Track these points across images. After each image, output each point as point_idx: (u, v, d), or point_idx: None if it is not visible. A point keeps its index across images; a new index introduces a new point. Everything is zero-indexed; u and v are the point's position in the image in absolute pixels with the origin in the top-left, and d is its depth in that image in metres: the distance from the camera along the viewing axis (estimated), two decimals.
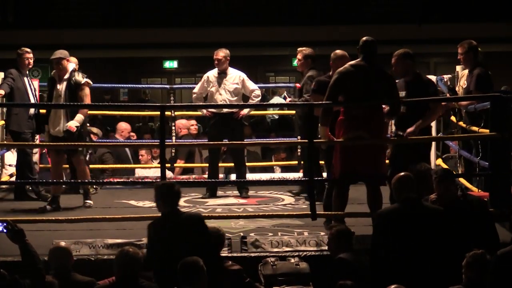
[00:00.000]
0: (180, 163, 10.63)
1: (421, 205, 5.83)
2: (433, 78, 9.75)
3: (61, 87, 8.13)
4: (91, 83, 8.31)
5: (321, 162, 8.32)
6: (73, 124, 8.03)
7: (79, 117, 8.08)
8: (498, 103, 7.03)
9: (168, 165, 9.65)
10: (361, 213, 7.12)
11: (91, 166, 9.80)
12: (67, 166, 9.68)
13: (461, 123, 8.42)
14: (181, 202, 8.58)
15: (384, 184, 7.06)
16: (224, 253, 6.24)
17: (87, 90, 8.20)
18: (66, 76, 8.14)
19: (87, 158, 8.98)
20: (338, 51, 7.53)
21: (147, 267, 5.64)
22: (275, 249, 6.53)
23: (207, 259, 5.63)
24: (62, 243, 5.98)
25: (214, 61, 9.08)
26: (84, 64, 9.59)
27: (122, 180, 9.50)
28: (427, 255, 5.65)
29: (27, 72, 8.93)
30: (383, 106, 7.00)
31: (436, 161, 9.58)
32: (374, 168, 6.85)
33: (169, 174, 10.53)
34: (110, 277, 5.67)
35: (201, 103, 9.23)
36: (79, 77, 8.15)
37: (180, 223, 5.81)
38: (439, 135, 9.59)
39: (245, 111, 9.11)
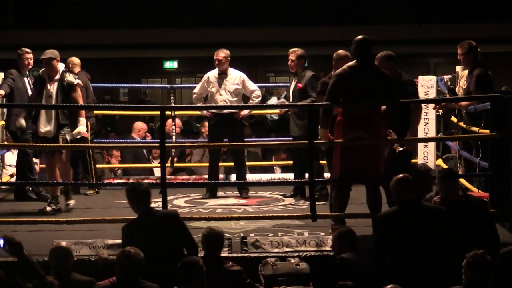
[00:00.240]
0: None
1: (421, 206, 5.83)
2: (433, 78, 9.80)
3: (52, 87, 8.01)
4: (82, 84, 8.26)
5: (323, 162, 8.33)
6: (84, 129, 8.06)
7: (83, 120, 8.07)
8: (498, 103, 7.02)
9: (168, 165, 9.66)
10: (361, 213, 7.11)
11: (98, 166, 9.83)
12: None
13: (461, 123, 8.42)
14: (181, 202, 8.71)
15: (383, 185, 7.07)
16: (225, 253, 6.24)
17: (79, 91, 8.13)
18: (57, 77, 8.03)
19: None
20: (340, 52, 7.51)
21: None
22: (275, 250, 6.53)
23: (189, 255, 5.73)
24: (63, 243, 5.98)
25: (214, 61, 9.08)
26: (84, 64, 9.59)
27: (122, 181, 9.49)
28: (429, 255, 5.64)
29: (27, 73, 8.93)
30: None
31: (436, 162, 9.59)
32: (374, 169, 6.84)
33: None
34: (111, 277, 5.68)
35: (201, 104, 9.23)
36: (71, 78, 8.06)
37: (155, 222, 5.87)
38: (439, 135, 9.60)
39: (246, 111, 9.12)
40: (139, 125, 11.31)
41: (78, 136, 8.02)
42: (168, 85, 12.53)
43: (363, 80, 6.78)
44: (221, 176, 9.68)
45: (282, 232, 7.07)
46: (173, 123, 10.34)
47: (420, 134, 9.66)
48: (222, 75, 9.05)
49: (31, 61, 8.95)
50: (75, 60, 9.46)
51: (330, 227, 7.03)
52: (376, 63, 7.17)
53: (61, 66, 8.15)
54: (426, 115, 9.59)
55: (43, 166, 9.60)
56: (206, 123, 10.18)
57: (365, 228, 7.00)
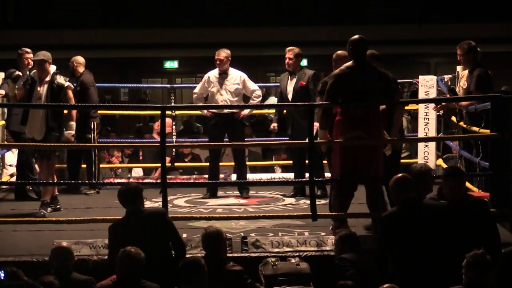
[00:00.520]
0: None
1: (422, 204, 5.81)
2: (433, 78, 9.81)
3: (42, 89, 7.94)
4: (72, 86, 8.18)
5: (324, 162, 8.34)
6: (69, 134, 7.96)
7: (72, 124, 7.98)
8: (498, 103, 7.03)
9: (168, 165, 9.66)
10: (361, 213, 7.11)
11: (101, 166, 9.85)
12: (66, 166, 9.73)
13: (461, 123, 8.42)
14: (182, 202, 8.71)
15: (382, 185, 7.07)
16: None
17: (70, 93, 8.04)
18: (48, 79, 7.96)
19: None
20: (340, 52, 7.51)
21: (111, 270, 5.67)
22: (276, 249, 6.53)
23: (176, 254, 5.81)
24: (64, 243, 6.00)
25: (215, 61, 9.07)
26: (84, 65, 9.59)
27: (122, 180, 9.50)
28: (432, 254, 5.63)
29: (27, 72, 8.92)
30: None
31: (436, 161, 9.59)
32: (373, 168, 6.84)
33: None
34: (111, 276, 5.70)
35: (201, 104, 9.23)
36: (61, 80, 7.98)
37: (142, 221, 5.92)
38: (439, 135, 9.60)
39: (246, 111, 9.13)
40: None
41: (64, 141, 7.92)
42: (168, 85, 12.53)
43: (361, 80, 6.79)
44: (221, 176, 9.67)
45: (282, 232, 7.08)
46: (174, 123, 10.34)
47: (421, 134, 9.67)
48: (223, 75, 9.05)
49: (31, 61, 8.93)
50: (80, 59, 9.46)
51: (330, 227, 7.03)
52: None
53: (52, 68, 8.07)
54: (426, 115, 9.60)
55: None
56: None
57: (365, 228, 7.01)
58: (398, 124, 7.15)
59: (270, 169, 11.03)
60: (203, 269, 5.28)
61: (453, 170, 6.14)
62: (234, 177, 9.55)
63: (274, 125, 9.25)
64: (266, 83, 16.79)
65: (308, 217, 7.03)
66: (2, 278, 5.38)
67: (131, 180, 9.86)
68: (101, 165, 10.23)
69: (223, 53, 9.02)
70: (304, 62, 9.34)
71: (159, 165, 9.60)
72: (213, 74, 9.12)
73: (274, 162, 11.17)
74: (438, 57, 19.00)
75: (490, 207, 6.85)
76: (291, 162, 9.56)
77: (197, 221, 7.34)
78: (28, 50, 8.96)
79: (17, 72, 8.38)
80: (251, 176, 9.80)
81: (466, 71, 8.28)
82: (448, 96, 8.75)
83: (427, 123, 9.60)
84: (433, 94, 9.64)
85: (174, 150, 10.43)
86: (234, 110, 8.94)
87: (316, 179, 7.29)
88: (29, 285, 5.32)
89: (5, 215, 7.76)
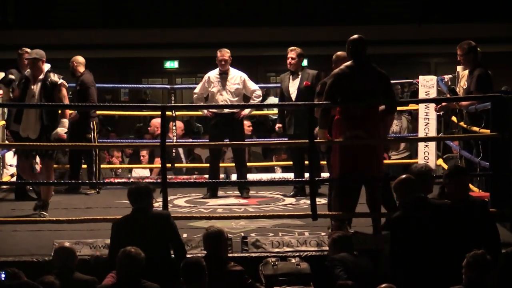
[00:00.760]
0: (158, 163, 10.57)
1: (429, 203, 5.78)
2: (433, 78, 9.81)
3: (36, 87, 7.86)
4: (67, 84, 8.08)
5: (323, 162, 8.34)
6: (63, 131, 7.80)
7: (65, 122, 7.85)
8: (498, 103, 7.02)
9: (168, 165, 9.65)
10: (361, 213, 7.11)
11: (102, 166, 9.85)
12: (68, 166, 9.74)
13: (461, 123, 8.42)
14: (182, 202, 8.71)
15: (381, 184, 7.07)
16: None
17: (64, 91, 7.94)
18: (41, 77, 7.88)
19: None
20: (339, 53, 7.51)
21: (111, 267, 5.68)
22: (276, 249, 6.53)
23: (176, 256, 5.79)
24: (67, 244, 6.01)
25: (219, 61, 9.03)
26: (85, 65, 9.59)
27: (122, 180, 9.50)
28: (439, 253, 5.61)
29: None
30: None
31: (437, 161, 9.59)
32: (373, 168, 6.84)
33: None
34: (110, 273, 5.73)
35: (202, 104, 9.23)
36: (55, 78, 7.88)
37: (145, 221, 5.92)
38: (440, 135, 9.60)
39: (246, 111, 9.13)
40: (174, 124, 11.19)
41: (55, 137, 7.77)
42: (168, 85, 12.54)
43: (360, 79, 6.79)
44: (221, 176, 9.67)
45: (282, 232, 7.07)
46: (174, 123, 10.34)
47: (421, 134, 9.67)
48: (223, 75, 9.05)
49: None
50: (80, 59, 9.46)
51: (328, 227, 7.03)
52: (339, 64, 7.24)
53: (46, 66, 7.99)
54: (426, 115, 9.60)
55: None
56: None
57: (365, 228, 7.01)
58: (390, 125, 7.17)
59: (270, 169, 11.03)
60: (204, 270, 5.29)
61: (458, 169, 6.13)
62: (234, 177, 9.56)
63: (278, 125, 9.22)
64: (266, 83, 16.83)
65: (308, 217, 7.03)
66: (3, 279, 5.38)
67: (131, 180, 9.86)
68: (101, 165, 10.23)
69: (227, 53, 9.03)
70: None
71: (157, 165, 9.68)
72: (214, 74, 9.12)
73: (274, 162, 11.16)
74: (438, 57, 19.02)
75: (490, 207, 6.87)
76: (291, 162, 9.55)
77: (197, 221, 7.34)
78: (28, 50, 8.92)
79: (10, 76, 8.33)
80: (251, 176, 9.79)
81: (466, 71, 8.28)
82: (448, 96, 8.74)
83: (428, 123, 9.60)
84: (433, 94, 9.64)
85: (174, 150, 10.42)
86: (235, 110, 8.94)
87: (316, 179, 7.29)
88: (29, 285, 5.33)
89: (5, 215, 7.76)
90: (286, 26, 16.59)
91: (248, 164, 9.93)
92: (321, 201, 7.98)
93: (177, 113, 10.44)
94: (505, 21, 16.33)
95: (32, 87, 7.89)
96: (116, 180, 9.44)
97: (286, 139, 9.31)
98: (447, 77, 9.63)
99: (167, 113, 9.15)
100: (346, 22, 16.17)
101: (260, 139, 11.59)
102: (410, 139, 11.09)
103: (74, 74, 9.42)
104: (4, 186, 9.35)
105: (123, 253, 5.40)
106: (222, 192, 9.28)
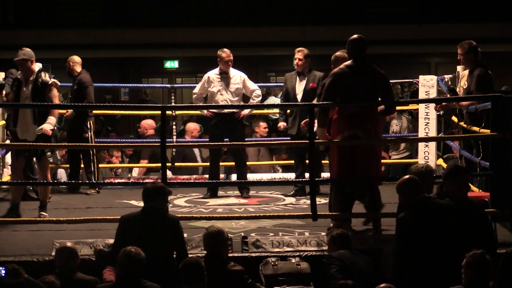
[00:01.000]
0: (143, 163, 10.58)
1: (435, 203, 5.75)
2: (433, 78, 9.81)
3: (27, 88, 7.76)
4: (59, 83, 7.97)
5: (325, 162, 8.34)
6: (48, 127, 7.68)
7: (52, 119, 7.73)
8: (499, 103, 7.03)
9: (169, 164, 9.66)
10: (361, 213, 7.11)
11: (100, 165, 9.84)
12: (67, 166, 9.74)
13: (462, 123, 8.42)
14: (182, 202, 8.71)
15: (380, 184, 7.07)
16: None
17: (55, 91, 7.83)
18: (32, 78, 7.76)
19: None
20: (338, 53, 7.52)
21: (113, 260, 5.68)
22: (276, 249, 6.53)
23: (177, 259, 5.77)
24: (69, 243, 6.00)
25: (227, 62, 8.98)
26: (84, 64, 9.59)
27: (122, 180, 9.50)
28: (444, 253, 5.60)
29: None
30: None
31: (437, 161, 9.59)
32: (371, 168, 6.84)
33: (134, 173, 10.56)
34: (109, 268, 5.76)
35: (202, 104, 9.23)
36: (46, 78, 7.77)
37: (154, 222, 5.90)
38: (440, 135, 9.60)
39: (246, 111, 9.13)
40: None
41: (39, 133, 7.65)
42: (169, 85, 12.52)
43: (359, 79, 6.80)
44: (221, 176, 9.67)
45: (282, 231, 7.07)
46: (174, 123, 10.34)
47: (421, 134, 9.67)
48: (224, 75, 9.05)
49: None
50: (76, 58, 9.46)
51: (328, 227, 7.03)
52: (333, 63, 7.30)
53: (37, 66, 7.89)
54: (427, 115, 9.60)
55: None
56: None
57: (365, 228, 7.01)
58: (381, 125, 7.19)
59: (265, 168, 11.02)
60: (204, 270, 5.30)
61: (457, 168, 6.12)
62: (234, 177, 9.55)
63: (283, 124, 9.18)
64: (266, 83, 16.80)
65: (308, 217, 7.03)
66: (3, 274, 5.38)
67: (131, 180, 9.87)
68: (101, 165, 10.23)
69: (231, 54, 9.04)
70: None
71: (157, 165, 9.66)
72: (214, 74, 9.12)
73: (274, 162, 11.16)
74: (438, 57, 19.02)
75: (490, 207, 6.88)
76: (292, 162, 9.55)
77: (198, 221, 7.34)
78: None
79: (0, 81, 8.30)
80: (251, 176, 9.80)
81: (467, 71, 8.28)
82: (448, 96, 8.74)
83: (428, 123, 9.60)
84: (433, 94, 9.64)
85: (174, 150, 10.42)
86: (235, 110, 8.94)
87: (317, 179, 7.29)
88: (29, 282, 5.33)
89: (5, 215, 7.75)
90: (286, 26, 16.60)
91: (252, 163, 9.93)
92: (321, 201, 8.00)
93: (177, 112, 10.44)
94: (505, 21, 16.33)
95: (24, 88, 7.78)
96: (116, 180, 9.43)
97: (288, 138, 9.30)
98: (447, 77, 9.63)
99: (167, 112, 9.16)
100: (346, 22, 16.17)
101: (260, 139, 11.57)
102: (410, 139, 11.09)
103: (71, 74, 9.42)
104: (4, 186, 9.34)
105: (123, 253, 5.40)
106: (222, 192, 9.28)
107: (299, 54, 8.87)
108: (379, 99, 6.95)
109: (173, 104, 10.47)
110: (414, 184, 5.78)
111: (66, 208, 8.29)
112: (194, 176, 10.39)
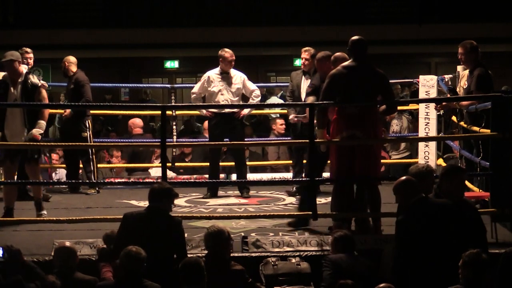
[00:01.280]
0: (121, 163, 10.58)
1: (432, 203, 5.74)
2: (434, 78, 9.81)
3: (16, 90, 7.66)
4: (47, 85, 7.94)
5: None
6: (38, 132, 7.61)
7: (42, 123, 7.67)
8: (499, 103, 7.03)
9: (169, 164, 9.66)
10: (361, 213, 7.10)
11: (98, 165, 9.84)
12: (65, 166, 9.73)
13: (462, 123, 8.42)
14: (182, 202, 8.71)
15: (380, 184, 7.07)
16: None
17: (44, 93, 7.76)
18: (21, 79, 7.67)
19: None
20: (337, 54, 7.50)
21: (114, 257, 5.70)
22: (276, 249, 6.53)
23: (177, 260, 5.73)
24: (67, 243, 6.00)
25: (230, 62, 9.01)
26: (84, 64, 9.60)
27: (123, 180, 9.50)
28: (447, 250, 5.59)
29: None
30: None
31: (437, 161, 9.59)
32: (370, 168, 6.84)
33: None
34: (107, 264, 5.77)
35: (202, 103, 9.23)
36: (35, 80, 7.71)
37: (157, 220, 5.89)
38: (440, 135, 9.60)
39: (246, 111, 9.14)
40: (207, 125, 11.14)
41: (30, 137, 7.58)
42: (169, 85, 12.52)
43: (358, 79, 6.81)
44: (221, 176, 9.67)
45: (283, 231, 7.07)
46: (174, 123, 10.34)
47: (421, 133, 9.67)
48: (225, 75, 9.05)
49: (31, 61, 8.93)
50: (72, 59, 9.46)
51: (328, 227, 7.03)
52: (316, 64, 7.45)
53: (24, 68, 7.83)
54: (427, 115, 9.60)
55: (43, 165, 9.61)
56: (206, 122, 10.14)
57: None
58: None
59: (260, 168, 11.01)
60: (203, 270, 5.30)
61: (454, 168, 6.12)
62: (234, 177, 9.56)
63: (295, 116, 9.03)
64: (266, 83, 16.81)
65: (308, 217, 7.03)
66: (1, 255, 5.40)
67: (131, 179, 9.87)
68: (100, 165, 10.24)
69: (233, 54, 9.05)
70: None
71: (157, 164, 9.65)
72: (214, 74, 9.12)
73: (274, 162, 11.16)
74: (438, 57, 19.02)
75: (490, 207, 6.88)
76: (291, 162, 9.55)
77: (198, 221, 7.34)
78: (28, 50, 8.95)
79: None
80: (251, 176, 9.79)
81: (467, 71, 8.28)
82: (448, 96, 8.75)
83: (428, 123, 9.60)
84: (433, 94, 9.64)
85: (174, 150, 10.42)
86: (235, 110, 8.95)
87: (316, 179, 7.29)
88: (25, 265, 5.36)
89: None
90: (286, 26, 16.60)
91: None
92: (321, 201, 7.99)
93: (177, 112, 10.44)
94: (505, 21, 16.33)
95: (13, 90, 7.68)
96: (116, 180, 9.43)
97: (288, 138, 9.29)
98: (447, 76, 9.63)
99: (167, 112, 9.15)
100: (346, 22, 16.18)
101: (260, 139, 11.58)
102: (410, 139, 11.10)
103: (66, 74, 9.41)
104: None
105: (124, 252, 5.40)
106: (222, 192, 9.29)
107: (306, 54, 8.88)
108: (379, 99, 6.96)
109: (173, 104, 10.44)
110: (411, 185, 5.77)
111: (66, 208, 8.30)
112: (194, 176, 10.40)
